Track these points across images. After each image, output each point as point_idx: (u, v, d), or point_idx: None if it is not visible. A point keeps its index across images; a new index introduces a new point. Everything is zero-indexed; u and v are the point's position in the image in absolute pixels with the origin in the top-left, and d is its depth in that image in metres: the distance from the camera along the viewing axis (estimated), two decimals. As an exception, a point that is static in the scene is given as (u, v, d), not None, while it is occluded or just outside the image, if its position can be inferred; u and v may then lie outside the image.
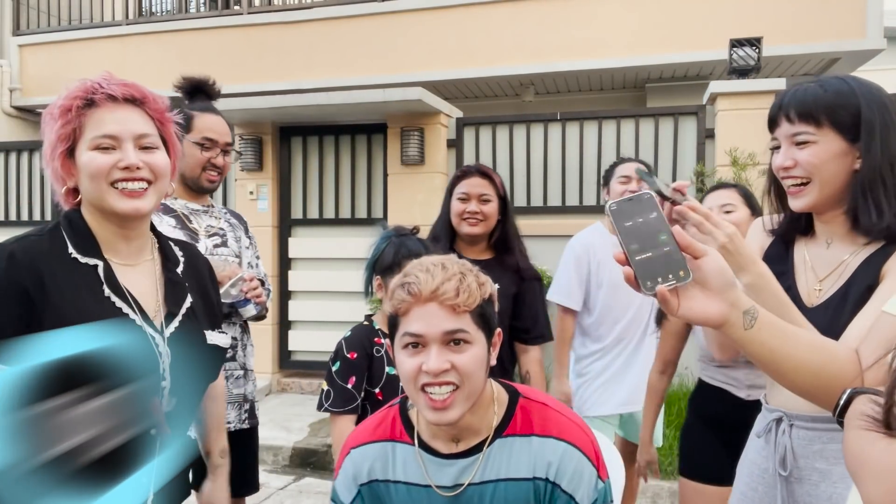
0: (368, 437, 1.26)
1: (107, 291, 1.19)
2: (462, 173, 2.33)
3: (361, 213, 5.83)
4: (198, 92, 2.19)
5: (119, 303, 1.20)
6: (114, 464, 1.15)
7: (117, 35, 7.58)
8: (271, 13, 7.19)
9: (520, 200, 5.45)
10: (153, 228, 1.36)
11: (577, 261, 2.73)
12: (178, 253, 1.39)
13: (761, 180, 5.07)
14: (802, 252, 1.40)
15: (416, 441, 1.22)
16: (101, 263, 1.21)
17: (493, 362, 1.19)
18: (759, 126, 5.29)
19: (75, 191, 1.24)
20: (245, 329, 2.21)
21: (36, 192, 6.61)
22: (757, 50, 4.81)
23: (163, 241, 1.37)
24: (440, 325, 1.10)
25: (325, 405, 1.80)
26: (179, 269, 1.35)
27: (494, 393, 1.22)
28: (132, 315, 1.20)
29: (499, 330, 1.21)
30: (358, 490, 1.24)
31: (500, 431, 1.19)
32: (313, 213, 5.92)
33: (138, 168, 1.20)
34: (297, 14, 7.05)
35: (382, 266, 1.83)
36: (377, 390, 1.81)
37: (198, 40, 7.32)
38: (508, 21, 6.49)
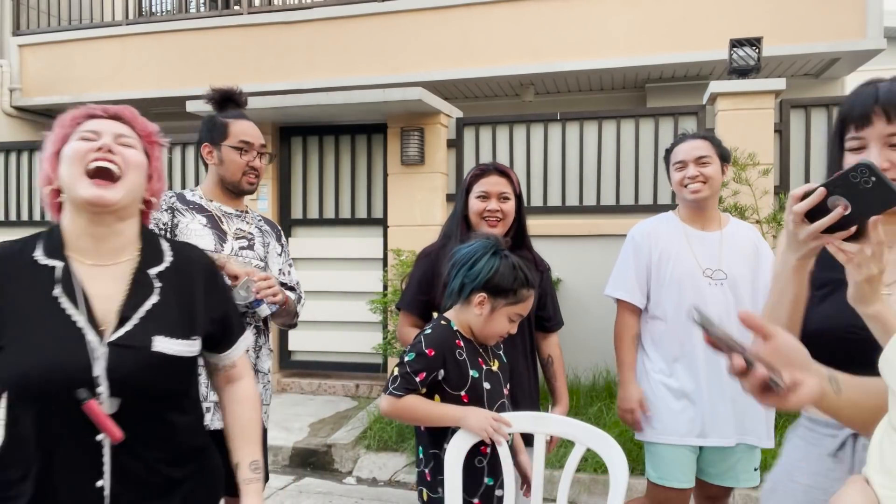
0: None
1: (56, 291, 1.20)
2: (480, 171, 2.29)
3: (361, 213, 5.83)
4: (227, 102, 2.27)
5: (65, 303, 1.20)
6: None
7: (117, 35, 7.58)
8: (271, 13, 7.19)
9: (520, 200, 5.45)
10: (145, 227, 1.36)
11: (637, 250, 2.40)
12: (168, 253, 1.35)
13: (762, 180, 5.09)
14: None
15: None
16: (60, 265, 1.22)
17: None
18: (758, 126, 5.29)
19: (59, 192, 1.27)
20: (260, 332, 2.22)
21: (36, 192, 6.60)
22: (757, 50, 4.81)
23: (150, 239, 1.35)
24: None
25: (391, 388, 1.80)
26: (156, 270, 1.31)
27: None
28: (75, 317, 1.19)
29: None
30: None
31: None
32: (313, 213, 5.92)
33: (111, 151, 1.23)
34: (297, 14, 7.05)
35: (495, 287, 1.80)
36: (462, 393, 1.83)
37: (198, 40, 7.32)
38: (508, 21, 6.49)
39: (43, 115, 8.22)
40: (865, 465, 0.83)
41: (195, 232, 2.09)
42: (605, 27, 6.27)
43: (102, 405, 1.18)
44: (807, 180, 4.83)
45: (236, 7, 7.45)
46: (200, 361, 1.42)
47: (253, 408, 1.46)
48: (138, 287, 1.27)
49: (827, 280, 1.28)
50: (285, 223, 5.91)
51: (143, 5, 7.82)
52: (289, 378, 5.83)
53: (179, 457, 1.32)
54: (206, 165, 2.25)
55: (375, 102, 5.11)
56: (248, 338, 1.50)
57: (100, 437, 1.19)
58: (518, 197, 2.31)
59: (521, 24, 6.46)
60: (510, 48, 6.48)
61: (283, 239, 2.41)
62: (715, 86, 4.84)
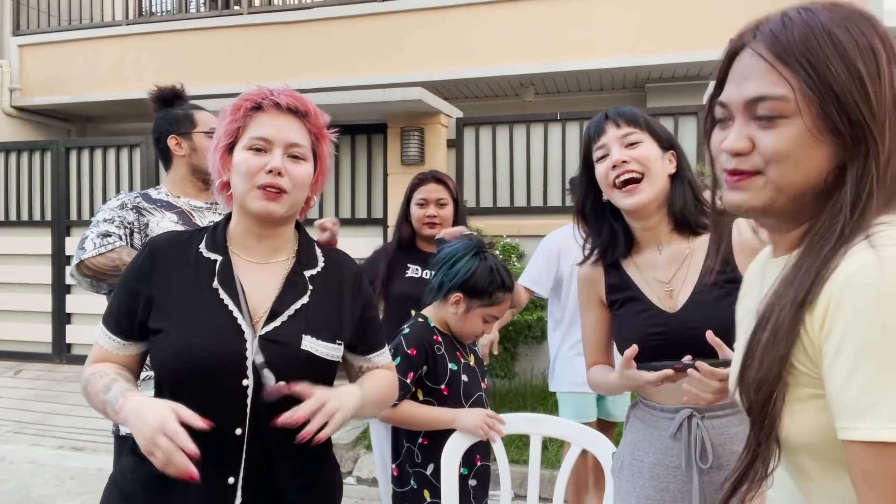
0: None
1: (215, 284, 1.25)
2: (419, 180, 2.57)
3: (361, 213, 5.83)
4: (176, 99, 2.26)
5: (223, 294, 1.25)
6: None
7: (117, 35, 7.58)
8: (271, 13, 7.20)
9: (519, 201, 5.46)
10: (303, 232, 1.40)
11: (548, 254, 2.99)
12: (320, 258, 1.38)
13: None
14: (633, 268, 1.51)
15: None
16: (220, 258, 1.28)
17: None
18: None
19: (228, 184, 1.31)
20: None
21: (36, 192, 6.61)
22: (757, 50, 4.80)
23: (305, 244, 1.39)
24: None
25: None
26: (309, 272, 1.34)
27: None
28: (231, 307, 1.24)
29: None
30: None
31: None
32: (313, 213, 5.92)
33: (280, 174, 1.23)
34: (297, 14, 7.06)
35: (472, 288, 1.85)
36: (442, 386, 1.87)
37: (198, 40, 7.32)
38: (508, 21, 6.49)
39: (43, 115, 8.23)
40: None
41: (167, 230, 2.08)
42: (605, 27, 6.27)
43: (248, 399, 1.21)
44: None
45: (236, 7, 7.46)
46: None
47: (383, 376, 1.43)
48: (291, 286, 1.31)
49: (615, 299, 1.53)
50: (285, 223, 5.91)
51: (143, 5, 7.83)
52: (289, 378, 5.83)
53: (302, 459, 1.32)
54: (165, 163, 2.21)
55: (375, 102, 5.12)
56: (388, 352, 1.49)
57: (238, 430, 1.20)
58: (456, 201, 2.57)
59: (521, 24, 6.46)
60: (510, 48, 6.48)
61: None
62: (715, 86, 4.84)
